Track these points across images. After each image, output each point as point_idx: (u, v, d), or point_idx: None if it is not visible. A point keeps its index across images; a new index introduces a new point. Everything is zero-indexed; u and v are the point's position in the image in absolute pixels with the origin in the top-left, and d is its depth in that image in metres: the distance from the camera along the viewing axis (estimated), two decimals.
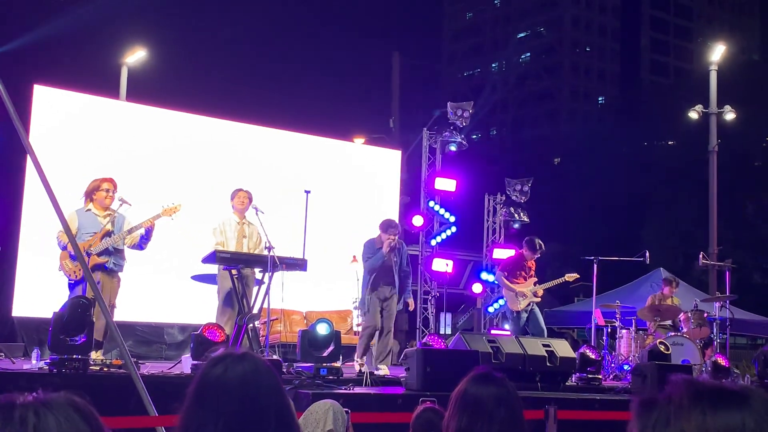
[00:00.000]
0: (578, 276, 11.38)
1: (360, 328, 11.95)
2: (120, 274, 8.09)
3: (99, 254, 7.83)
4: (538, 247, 11.00)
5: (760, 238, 32.59)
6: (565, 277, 11.23)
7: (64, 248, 7.81)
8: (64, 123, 11.06)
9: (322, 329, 7.63)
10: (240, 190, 9.15)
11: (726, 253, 17.06)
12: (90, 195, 8.06)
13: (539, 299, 11.10)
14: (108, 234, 7.93)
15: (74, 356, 6.39)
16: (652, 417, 1.34)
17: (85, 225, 7.91)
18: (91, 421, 1.23)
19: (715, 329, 11.43)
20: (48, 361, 6.55)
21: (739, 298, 14.61)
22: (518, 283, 10.98)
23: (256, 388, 1.79)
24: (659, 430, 1.32)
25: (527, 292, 10.86)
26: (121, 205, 8.09)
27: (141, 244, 8.19)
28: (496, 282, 12.56)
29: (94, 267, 7.77)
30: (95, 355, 7.32)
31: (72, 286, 7.77)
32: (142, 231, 8.05)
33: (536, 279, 11.13)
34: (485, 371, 2.76)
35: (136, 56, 17.55)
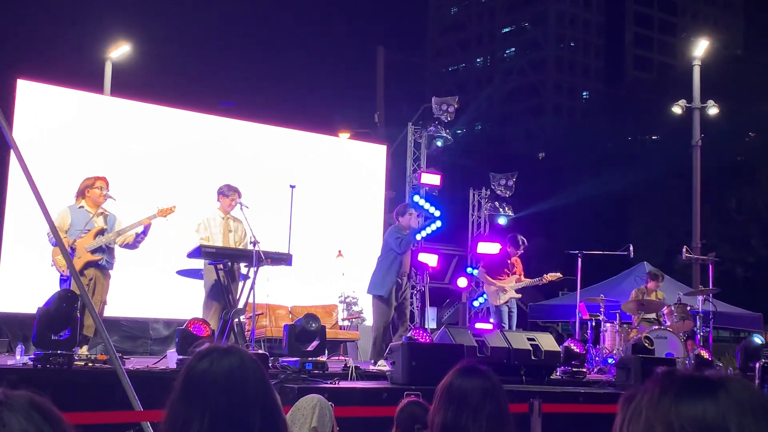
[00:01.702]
0: (561, 275, 11.47)
1: (347, 323, 11.99)
2: (110, 271, 8.11)
3: (93, 252, 7.85)
4: (520, 243, 11.21)
5: (743, 231, 32.82)
6: (548, 276, 11.31)
7: (56, 244, 7.79)
8: (47, 118, 11.00)
9: (308, 323, 7.63)
10: (232, 191, 8.97)
11: (709, 247, 17.19)
12: (83, 192, 8.08)
13: (519, 296, 11.27)
14: (101, 232, 7.95)
15: (59, 351, 6.37)
16: (628, 410, 1.35)
17: (76, 222, 7.91)
18: (53, 420, 1.21)
19: (698, 322, 11.50)
20: (32, 356, 6.52)
21: (722, 292, 14.71)
22: (501, 279, 11.12)
23: (242, 382, 1.79)
24: (634, 423, 1.33)
25: (508, 288, 11.01)
26: (105, 200, 8.07)
27: (135, 243, 8.25)
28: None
29: (87, 264, 7.81)
30: (81, 351, 7.30)
31: (63, 282, 7.76)
32: (140, 229, 8.08)
33: (519, 276, 11.24)
34: (471, 364, 2.77)
35: (120, 51, 17.46)
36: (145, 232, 8.19)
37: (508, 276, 11.16)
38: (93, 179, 8.16)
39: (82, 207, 8.02)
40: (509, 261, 11.27)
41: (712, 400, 1.28)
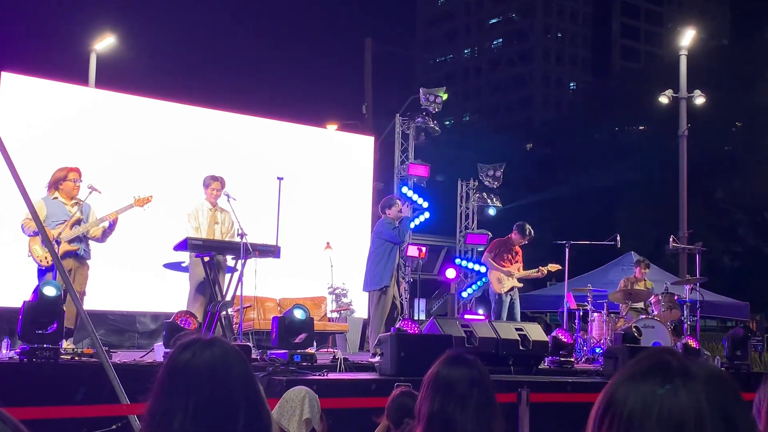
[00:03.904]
0: (560, 267, 11.50)
1: (336, 315, 11.97)
2: (88, 261, 8.07)
3: (70, 241, 7.85)
4: (527, 233, 11.15)
5: (729, 221, 32.97)
6: (548, 266, 11.34)
7: (32, 234, 7.76)
8: (32, 110, 10.92)
9: (298, 314, 7.60)
10: (213, 180, 8.99)
11: (696, 237, 17.25)
12: (56, 185, 8.03)
13: (521, 285, 11.25)
14: (78, 222, 7.93)
15: (45, 345, 6.33)
16: None
17: (53, 213, 7.89)
18: (8, 421, 1.19)
19: (685, 312, 11.56)
20: (18, 350, 6.49)
21: (709, 281, 14.78)
22: (504, 266, 11.09)
23: (225, 373, 1.77)
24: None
25: (514, 274, 10.96)
26: (90, 192, 8.03)
27: (103, 237, 8.17)
28: (484, 266, 12.55)
29: (65, 254, 7.78)
30: (66, 344, 7.27)
31: (41, 273, 7.72)
32: (106, 224, 8.01)
33: (521, 264, 11.23)
34: (457, 353, 2.76)
35: (105, 42, 17.34)
36: (111, 227, 8.10)
37: (510, 264, 11.12)
38: (65, 171, 8.08)
39: (56, 198, 7.99)
40: (512, 248, 11.22)
41: (643, 384, 1.26)
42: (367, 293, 9.83)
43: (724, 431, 1.20)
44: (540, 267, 11.27)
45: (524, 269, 11.33)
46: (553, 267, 11.41)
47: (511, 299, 11.05)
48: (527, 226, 11.22)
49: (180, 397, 1.73)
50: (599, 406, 1.30)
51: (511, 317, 10.91)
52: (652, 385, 1.25)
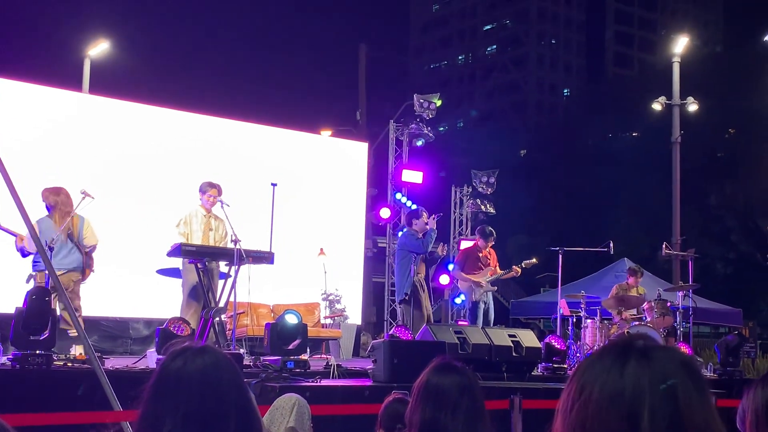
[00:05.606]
0: (536, 261, 11.45)
1: (329, 321, 11.98)
2: None
3: None
4: (489, 234, 11.06)
5: (723, 227, 33.05)
6: (523, 263, 11.27)
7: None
8: (26, 116, 10.90)
9: (290, 319, 7.60)
10: (211, 187, 8.95)
11: (689, 243, 17.30)
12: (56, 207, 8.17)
13: (495, 288, 11.15)
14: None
15: (37, 352, 6.32)
16: None
17: None
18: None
19: (678, 318, 11.57)
20: (11, 357, 6.47)
21: (702, 288, 14.80)
22: (475, 274, 10.99)
23: (216, 381, 1.77)
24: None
25: (483, 282, 10.86)
26: (83, 198, 8.03)
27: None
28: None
29: None
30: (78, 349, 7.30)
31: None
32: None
33: (494, 268, 11.12)
34: (446, 361, 2.77)
35: (99, 48, 17.35)
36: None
37: (483, 269, 11.03)
38: (58, 190, 8.22)
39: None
40: (481, 254, 11.13)
41: (602, 360, 1.35)
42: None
43: (664, 407, 1.27)
44: (514, 266, 11.16)
45: (501, 269, 11.25)
46: (528, 263, 11.31)
47: (486, 305, 10.97)
48: (487, 228, 11.19)
49: (170, 404, 1.74)
50: (569, 378, 1.41)
51: (486, 323, 10.81)
52: (607, 361, 1.34)
